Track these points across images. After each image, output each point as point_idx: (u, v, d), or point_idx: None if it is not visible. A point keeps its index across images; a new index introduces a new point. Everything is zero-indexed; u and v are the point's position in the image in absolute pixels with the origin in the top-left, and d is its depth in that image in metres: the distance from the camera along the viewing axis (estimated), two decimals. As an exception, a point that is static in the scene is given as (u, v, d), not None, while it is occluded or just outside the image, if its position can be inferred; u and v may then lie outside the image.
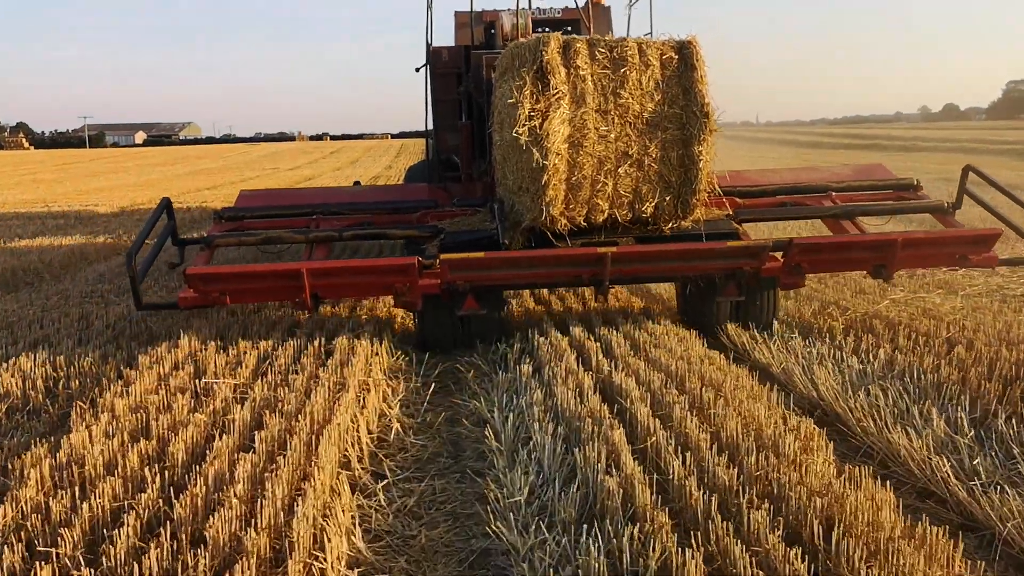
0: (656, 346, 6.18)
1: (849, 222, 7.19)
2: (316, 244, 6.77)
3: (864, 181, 7.94)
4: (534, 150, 5.80)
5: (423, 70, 9.22)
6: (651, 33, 8.81)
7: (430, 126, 9.43)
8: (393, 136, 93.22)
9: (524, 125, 5.80)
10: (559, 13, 9.75)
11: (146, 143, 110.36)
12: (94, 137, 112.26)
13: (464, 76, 8.68)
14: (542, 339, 6.42)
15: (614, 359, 5.88)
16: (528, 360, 5.99)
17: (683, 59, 6.16)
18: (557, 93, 5.86)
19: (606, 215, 6.24)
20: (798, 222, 11.16)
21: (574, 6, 9.67)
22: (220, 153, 61.70)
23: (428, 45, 9.33)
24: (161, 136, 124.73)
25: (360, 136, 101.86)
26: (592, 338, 6.46)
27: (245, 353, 6.14)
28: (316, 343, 6.34)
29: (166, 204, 7.16)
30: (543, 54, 5.89)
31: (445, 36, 10.61)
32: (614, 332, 6.63)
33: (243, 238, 7.04)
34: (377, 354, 6.25)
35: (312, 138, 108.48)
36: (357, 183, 13.72)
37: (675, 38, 6.26)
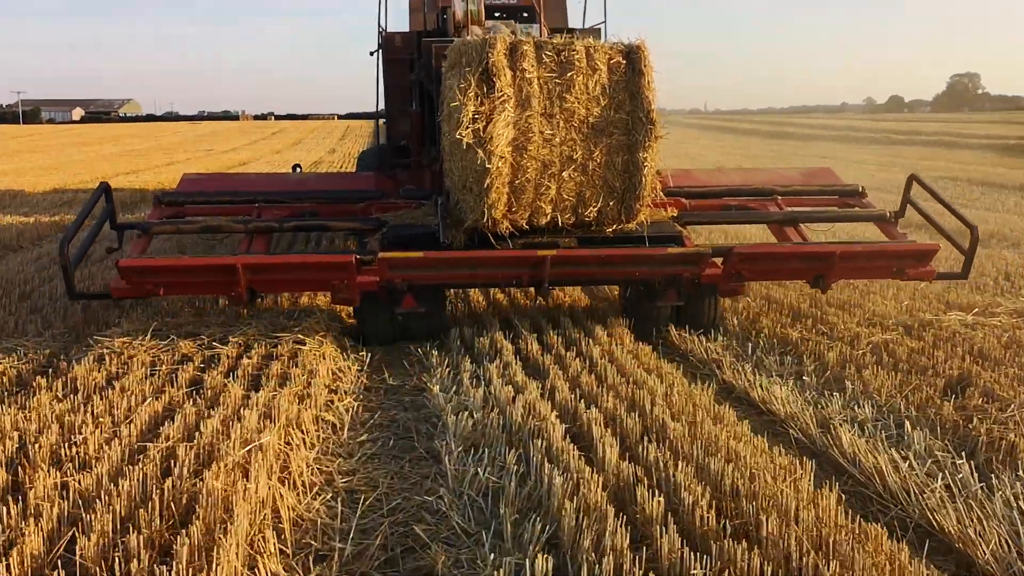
0: (743, 475, 3.81)
1: (792, 229, 7.09)
2: (256, 235, 6.61)
3: (811, 186, 7.89)
4: (478, 151, 5.63)
5: (377, 54, 9.19)
6: (605, 22, 9.01)
7: (382, 111, 9.41)
8: (340, 117, 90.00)
9: (468, 127, 5.64)
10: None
11: (84, 120, 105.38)
12: (28, 113, 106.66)
13: (416, 63, 8.46)
14: (550, 466, 4.01)
15: (682, 514, 3.47)
16: (538, 524, 3.56)
17: (631, 64, 6.02)
18: (502, 96, 5.70)
19: (549, 218, 6.13)
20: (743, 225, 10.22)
21: None
22: (153, 132, 57.96)
23: (381, 29, 9.31)
24: (100, 113, 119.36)
25: (306, 116, 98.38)
26: (633, 463, 4.08)
27: (70, 467, 3.59)
28: (181, 465, 3.83)
29: (104, 188, 6.75)
30: (489, 55, 5.71)
31: (403, 19, 10.54)
32: (663, 449, 4.27)
33: (181, 226, 6.96)
34: (278, 502, 3.77)
35: (256, 118, 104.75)
36: (296, 167, 13.61)
37: (623, 41, 6.12)
